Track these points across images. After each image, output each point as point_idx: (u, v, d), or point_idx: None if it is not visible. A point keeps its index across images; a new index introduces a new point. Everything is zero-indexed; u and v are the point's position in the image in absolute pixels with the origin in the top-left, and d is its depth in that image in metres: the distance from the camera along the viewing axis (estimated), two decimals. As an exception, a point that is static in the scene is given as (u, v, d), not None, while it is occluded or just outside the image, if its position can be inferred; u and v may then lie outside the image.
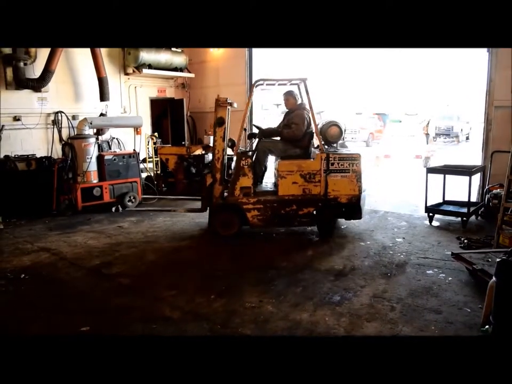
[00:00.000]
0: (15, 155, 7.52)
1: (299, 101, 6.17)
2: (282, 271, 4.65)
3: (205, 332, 3.39)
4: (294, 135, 5.90)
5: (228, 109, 5.91)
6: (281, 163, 5.84)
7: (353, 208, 5.92)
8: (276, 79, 6.22)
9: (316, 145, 6.16)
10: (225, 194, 5.87)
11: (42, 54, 7.92)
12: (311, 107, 5.88)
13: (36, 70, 7.99)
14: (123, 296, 4.09)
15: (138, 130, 9.63)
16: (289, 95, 6.14)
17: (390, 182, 10.52)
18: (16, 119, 7.88)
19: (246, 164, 5.76)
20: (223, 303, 3.91)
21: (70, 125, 8.49)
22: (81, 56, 8.68)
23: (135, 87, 9.95)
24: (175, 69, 10.20)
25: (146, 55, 9.34)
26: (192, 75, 10.51)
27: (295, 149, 5.96)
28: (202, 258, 5.12)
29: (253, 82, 6.29)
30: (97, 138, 7.95)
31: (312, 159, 5.86)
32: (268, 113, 18.87)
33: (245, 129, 6.18)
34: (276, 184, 5.99)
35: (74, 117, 8.58)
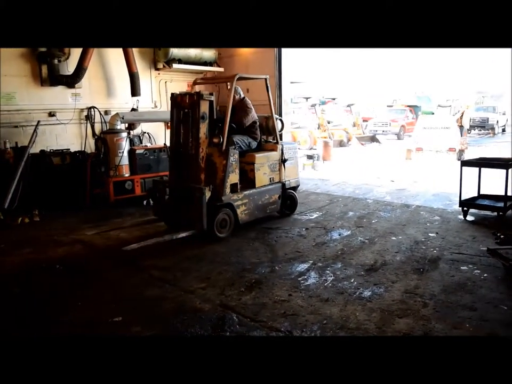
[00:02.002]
0: (50, 150, 7.73)
1: (242, 96, 6.37)
2: (312, 265, 4.63)
3: (234, 325, 3.41)
4: (242, 121, 6.12)
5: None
6: (258, 156, 6.06)
7: (295, 189, 6.81)
8: (251, 76, 6.72)
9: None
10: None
11: (76, 51, 8.08)
12: (270, 102, 6.32)
13: (69, 67, 8.16)
14: (154, 288, 4.16)
15: (169, 124, 9.71)
16: (234, 92, 6.31)
17: (422, 176, 10.29)
18: (51, 114, 8.09)
19: (235, 160, 5.65)
20: (252, 296, 3.92)
21: (103, 120, 8.66)
22: (113, 52, 8.82)
23: (165, 82, 10.04)
24: (205, 63, 10.22)
25: (176, 50, 9.41)
26: (221, 69, 10.52)
27: (254, 141, 6.31)
28: (230, 251, 5.14)
29: (235, 77, 6.12)
30: (128, 133, 8.08)
31: (273, 151, 6.31)
32: (298, 106, 18.72)
33: (233, 124, 5.93)
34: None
35: (106, 112, 8.76)
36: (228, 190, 5.57)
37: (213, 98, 5.53)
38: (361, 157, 14.57)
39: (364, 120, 22.72)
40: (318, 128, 16.83)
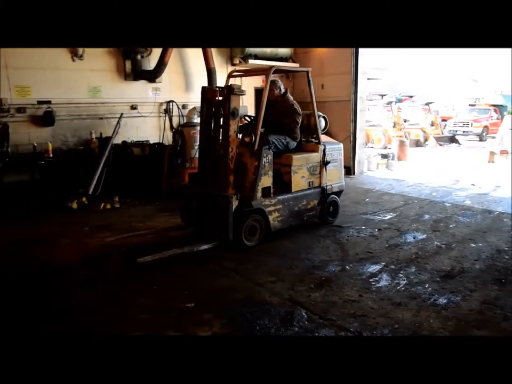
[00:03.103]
0: (131, 141, 8.16)
1: (283, 91, 5.88)
2: (384, 267, 4.50)
3: (303, 321, 3.40)
4: (297, 123, 5.73)
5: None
6: (295, 157, 5.52)
7: (339, 194, 6.22)
8: (290, 69, 6.80)
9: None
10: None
11: (158, 47, 8.44)
12: (311, 97, 5.79)
13: (151, 62, 8.55)
14: (225, 278, 4.26)
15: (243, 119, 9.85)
16: (272, 85, 5.64)
17: (507, 181, 9.60)
18: (133, 107, 8.52)
19: (268, 161, 5.11)
20: (322, 293, 3.89)
21: (180, 114, 8.99)
22: (192, 48, 9.08)
23: (241, 77, 10.17)
24: (280, 59, 10.27)
25: (253, 46, 9.51)
26: (296, 65, 10.47)
27: (293, 141, 5.79)
28: (300, 248, 5.13)
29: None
30: (204, 127, 8.30)
31: (314, 152, 5.77)
32: (373, 103, 18.22)
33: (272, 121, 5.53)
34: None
35: (184, 106, 9.07)
36: (259, 194, 5.07)
37: (245, 93, 5.01)
38: (439, 158, 13.90)
39: (442, 120, 21.62)
40: (394, 126, 16.27)
